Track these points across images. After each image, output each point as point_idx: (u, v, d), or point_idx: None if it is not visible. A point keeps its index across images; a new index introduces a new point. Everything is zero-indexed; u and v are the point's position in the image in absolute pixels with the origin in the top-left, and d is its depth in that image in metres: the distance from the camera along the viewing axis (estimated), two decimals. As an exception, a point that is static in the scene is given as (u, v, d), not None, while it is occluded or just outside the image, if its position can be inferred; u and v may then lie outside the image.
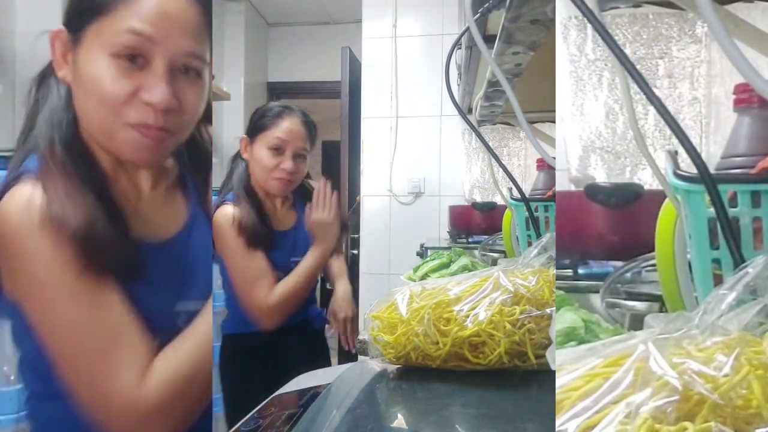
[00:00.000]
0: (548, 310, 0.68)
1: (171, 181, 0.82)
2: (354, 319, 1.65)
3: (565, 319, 0.59)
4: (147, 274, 0.68)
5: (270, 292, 1.37)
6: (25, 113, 0.74)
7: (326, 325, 1.66)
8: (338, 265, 1.72)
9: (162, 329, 0.68)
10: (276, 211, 1.53)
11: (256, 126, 1.48)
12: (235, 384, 1.49)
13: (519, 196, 1.10)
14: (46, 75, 0.74)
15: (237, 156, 1.53)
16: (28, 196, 0.64)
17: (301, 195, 1.59)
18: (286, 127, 1.44)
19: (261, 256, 1.40)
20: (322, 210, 1.39)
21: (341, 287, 1.67)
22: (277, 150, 1.44)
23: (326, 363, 1.68)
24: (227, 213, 1.40)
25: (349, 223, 1.62)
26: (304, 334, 1.55)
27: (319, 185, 1.42)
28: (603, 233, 0.99)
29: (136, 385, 0.62)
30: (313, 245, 1.43)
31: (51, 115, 0.71)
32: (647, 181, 0.97)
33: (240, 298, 1.41)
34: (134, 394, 0.62)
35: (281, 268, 1.43)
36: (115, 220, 0.68)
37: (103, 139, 0.70)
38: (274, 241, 1.44)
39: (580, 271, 0.92)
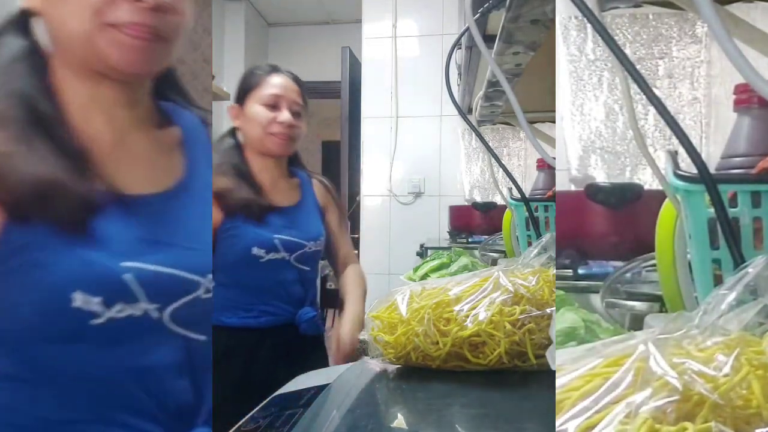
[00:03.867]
0: (548, 310, 0.68)
1: (162, 125, 0.72)
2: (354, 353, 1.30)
3: (565, 319, 0.59)
4: (104, 230, 0.61)
5: None
6: None
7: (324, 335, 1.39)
8: (353, 277, 1.44)
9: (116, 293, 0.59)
10: (275, 185, 1.33)
11: (245, 86, 1.34)
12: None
13: (519, 196, 1.10)
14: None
15: (222, 137, 1.38)
16: None
17: (307, 174, 1.44)
18: (279, 82, 1.32)
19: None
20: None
21: (350, 312, 1.31)
22: (272, 106, 1.29)
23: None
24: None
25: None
26: (285, 337, 1.27)
27: None
28: (603, 233, 0.99)
29: None
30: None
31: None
32: (647, 181, 0.97)
33: None
34: None
35: (264, 245, 1.23)
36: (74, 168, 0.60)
37: (81, 47, 0.62)
38: (264, 216, 1.26)
39: (580, 271, 0.92)
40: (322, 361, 1.37)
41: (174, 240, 0.67)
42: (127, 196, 0.66)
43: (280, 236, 1.25)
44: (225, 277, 1.20)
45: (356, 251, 3.04)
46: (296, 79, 1.35)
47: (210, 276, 0.68)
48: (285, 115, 1.28)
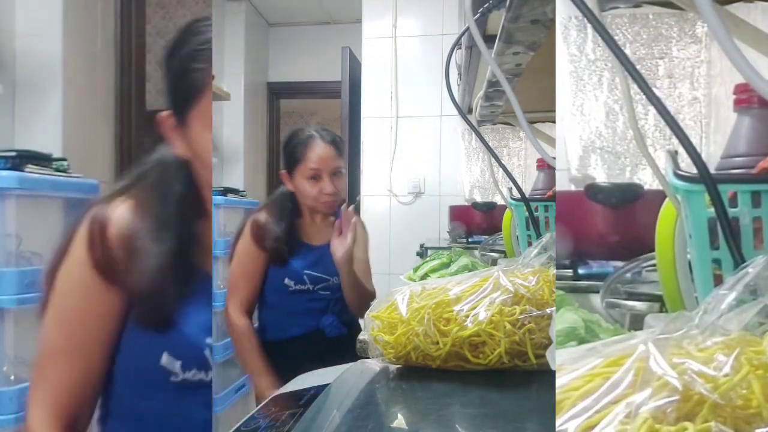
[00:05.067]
0: (548, 310, 0.68)
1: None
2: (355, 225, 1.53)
3: (565, 319, 0.59)
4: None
5: (238, 306, 1.52)
6: None
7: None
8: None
9: None
10: (313, 226, 1.60)
11: (290, 160, 1.56)
12: None
13: (519, 196, 1.10)
14: None
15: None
16: None
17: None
18: (317, 155, 1.52)
19: (261, 260, 1.53)
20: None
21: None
22: (315, 178, 1.51)
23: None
24: (252, 219, 1.55)
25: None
26: (317, 343, 1.52)
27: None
28: (603, 233, 0.99)
29: None
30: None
31: None
32: (647, 181, 0.97)
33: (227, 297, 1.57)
34: None
35: (294, 278, 1.51)
36: None
37: None
38: (296, 251, 1.53)
39: (580, 271, 0.92)
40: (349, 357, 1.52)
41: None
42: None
43: (308, 272, 1.52)
44: (269, 301, 1.56)
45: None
46: (334, 142, 1.56)
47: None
48: (328, 187, 1.51)
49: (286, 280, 1.52)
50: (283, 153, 1.60)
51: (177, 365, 0.69)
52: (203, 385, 0.71)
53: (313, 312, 1.55)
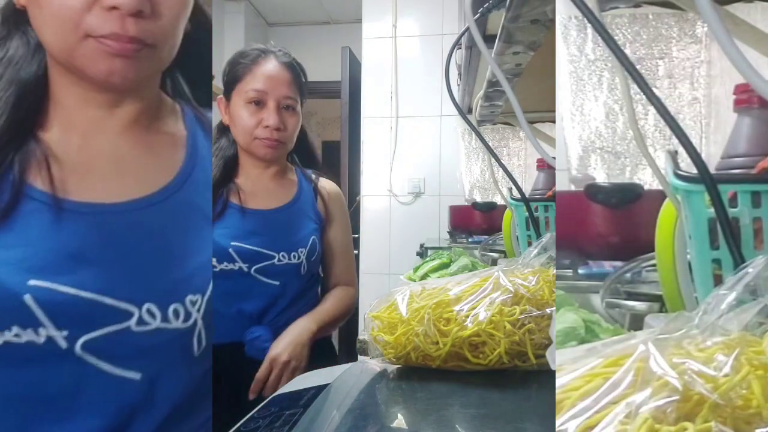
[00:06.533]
0: (548, 310, 0.68)
1: (165, 127, 0.69)
2: (298, 368, 1.08)
3: (565, 319, 0.59)
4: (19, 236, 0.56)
5: None
6: None
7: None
8: (335, 294, 1.26)
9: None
10: (248, 180, 1.19)
11: (229, 78, 1.17)
12: None
13: (519, 196, 1.10)
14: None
15: (217, 129, 1.22)
16: None
17: (307, 162, 1.31)
18: (266, 73, 1.14)
19: None
20: None
21: (294, 327, 1.12)
22: (257, 104, 1.13)
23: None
24: None
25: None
26: (228, 360, 1.04)
27: None
28: (603, 233, 0.99)
29: None
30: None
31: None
32: (647, 181, 0.97)
33: None
34: None
35: (220, 255, 1.09)
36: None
37: (62, 58, 0.59)
38: (222, 215, 1.13)
39: (580, 271, 0.92)
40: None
41: (105, 258, 0.59)
42: (70, 203, 0.59)
43: (238, 243, 1.10)
44: None
45: (356, 251, 3.02)
46: (289, 65, 1.17)
47: (151, 305, 0.60)
48: (271, 118, 1.12)
49: None
50: (223, 73, 1.19)
51: None
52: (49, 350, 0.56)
53: (241, 311, 1.11)
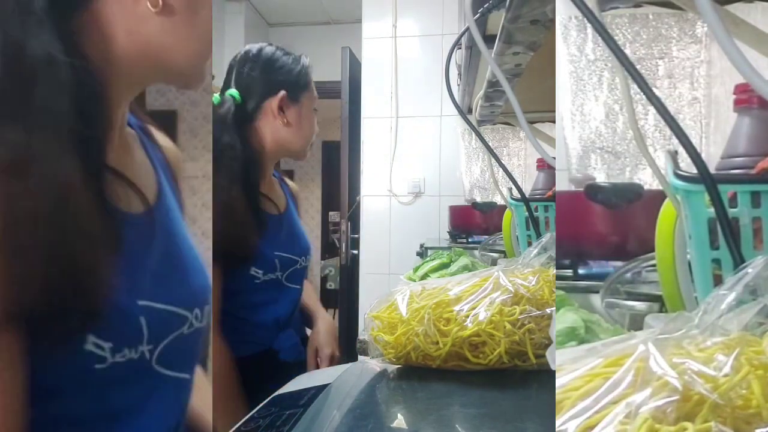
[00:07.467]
0: (548, 310, 0.68)
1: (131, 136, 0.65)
2: (336, 358, 1.19)
3: (565, 319, 0.59)
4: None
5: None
6: None
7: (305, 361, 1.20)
8: (313, 294, 1.33)
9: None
10: (275, 189, 1.17)
11: (300, 81, 1.11)
12: None
13: (519, 196, 1.10)
14: None
15: (225, 129, 1.07)
16: None
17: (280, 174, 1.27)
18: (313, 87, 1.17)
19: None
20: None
21: (323, 321, 1.24)
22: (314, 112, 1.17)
23: None
24: None
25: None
26: (265, 366, 1.09)
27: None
28: (603, 233, 0.98)
29: None
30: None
31: None
32: (647, 181, 0.97)
33: None
34: None
35: (266, 267, 1.08)
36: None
37: None
38: (264, 228, 1.09)
39: (580, 271, 0.92)
40: None
41: (161, 267, 0.59)
42: (131, 215, 0.58)
43: (280, 253, 1.09)
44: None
45: (356, 251, 3.01)
46: None
47: (197, 309, 0.62)
48: (316, 126, 1.17)
49: (253, 270, 1.06)
50: (287, 75, 1.09)
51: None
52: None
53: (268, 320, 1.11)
